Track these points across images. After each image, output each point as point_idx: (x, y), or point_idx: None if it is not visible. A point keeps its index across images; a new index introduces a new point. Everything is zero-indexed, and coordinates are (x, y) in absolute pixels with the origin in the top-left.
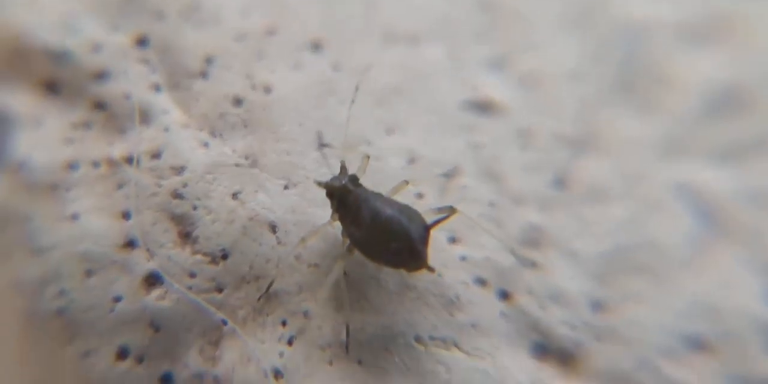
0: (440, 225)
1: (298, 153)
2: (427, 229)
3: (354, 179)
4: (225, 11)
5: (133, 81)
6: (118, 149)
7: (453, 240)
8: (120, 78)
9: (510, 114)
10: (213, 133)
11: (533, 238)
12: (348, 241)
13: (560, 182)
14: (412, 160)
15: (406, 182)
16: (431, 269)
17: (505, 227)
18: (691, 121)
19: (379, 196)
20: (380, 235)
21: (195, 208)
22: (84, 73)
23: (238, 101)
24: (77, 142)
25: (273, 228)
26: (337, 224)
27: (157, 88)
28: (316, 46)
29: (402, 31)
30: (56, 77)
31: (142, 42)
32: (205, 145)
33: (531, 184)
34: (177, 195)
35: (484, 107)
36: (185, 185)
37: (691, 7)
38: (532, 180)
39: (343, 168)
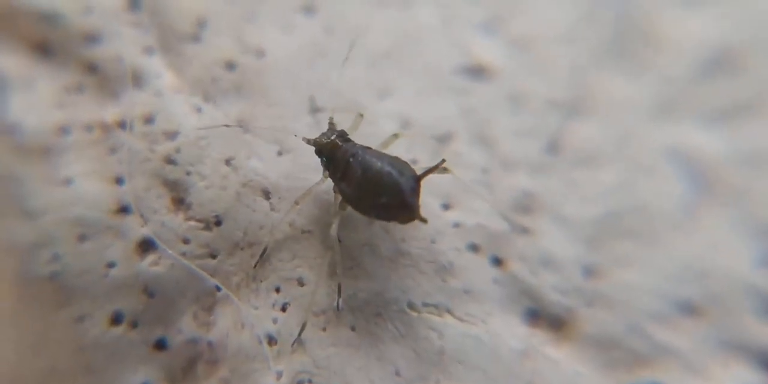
0: (430, 175)
1: (290, 118)
2: (417, 179)
3: (343, 134)
4: None
5: (126, 44)
6: (111, 113)
7: (446, 207)
8: (112, 40)
9: (502, 78)
10: (206, 98)
11: (525, 204)
12: (340, 198)
13: (552, 147)
14: (405, 125)
15: (396, 135)
16: (423, 220)
17: (497, 193)
18: (683, 83)
19: (368, 149)
20: (371, 189)
21: (188, 173)
22: (76, 35)
23: (230, 66)
24: (69, 105)
25: (266, 194)
26: (329, 182)
27: (149, 51)
28: (308, 9)
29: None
30: (47, 39)
31: (134, 4)
32: (198, 110)
33: (523, 149)
34: (170, 160)
35: (476, 71)
36: (178, 151)
37: None
38: (524, 145)
39: (332, 124)
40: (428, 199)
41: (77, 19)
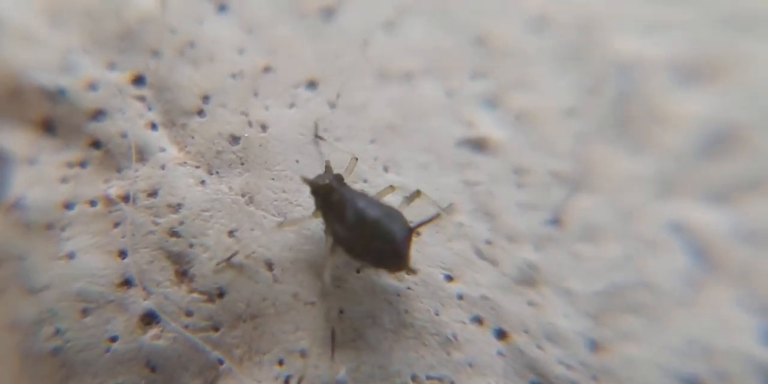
0: (423, 227)
1: (294, 190)
2: (410, 230)
3: (339, 178)
4: (221, 49)
5: (130, 119)
6: (115, 187)
7: (450, 278)
8: (116, 116)
9: (505, 151)
10: (210, 171)
11: (529, 276)
12: (332, 240)
13: (556, 220)
14: (408, 198)
15: (392, 187)
16: (413, 270)
17: (500, 265)
18: (686, 159)
19: (363, 196)
20: (364, 235)
21: (191, 246)
22: (80, 112)
23: (234, 139)
24: (73, 180)
25: (269, 266)
26: (320, 222)
27: (153, 126)
28: (312, 84)
29: (396, 68)
30: (52, 116)
31: (138, 80)
32: (202, 182)
33: (526, 222)
34: (173, 233)
35: (479, 144)
36: (182, 223)
37: (684, 44)
38: (527, 218)
39: (328, 167)
40: (431, 270)
41: (82, 96)
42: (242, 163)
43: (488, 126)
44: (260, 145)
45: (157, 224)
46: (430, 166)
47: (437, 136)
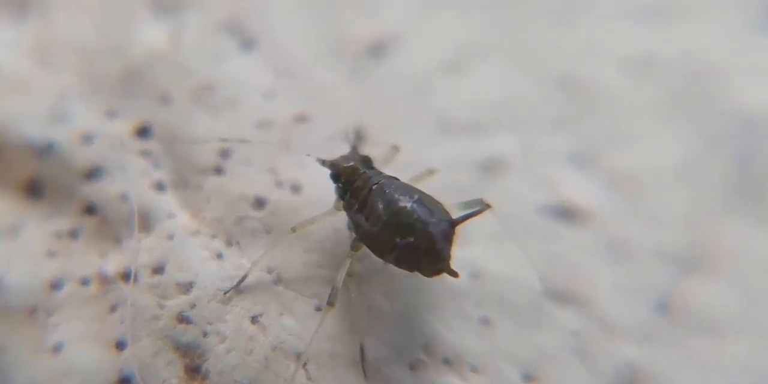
0: (469, 221)
1: (332, 266)
2: (452, 224)
3: (366, 160)
4: (245, 93)
5: (132, 178)
6: (112, 263)
7: (528, 378)
8: (116, 175)
9: (598, 220)
10: (228, 242)
11: (629, 379)
12: (355, 236)
13: (663, 308)
14: (476, 275)
15: (431, 171)
16: (454, 274)
17: (593, 363)
18: None
19: (395, 181)
20: (393, 229)
21: (205, 334)
22: (72, 170)
23: (259, 202)
24: (62, 254)
25: (302, 360)
26: (343, 215)
27: (160, 186)
28: (357, 137)
29: (462, 119)
30: (39, 175)
31: (143, 131)
32: (219, 256)
33: (626, 310)
34: (183, 319)
35: (566, 212)
36: (193, 306)
37: None
38: (627, 304)
39: (355, 149)
40: (504, 367)
41: (75, 150)
42: (268, 232)
43: (576, 189)
44: (291, 211)
45: (163, 308)
46: (506, 237)
47: (514, 203)
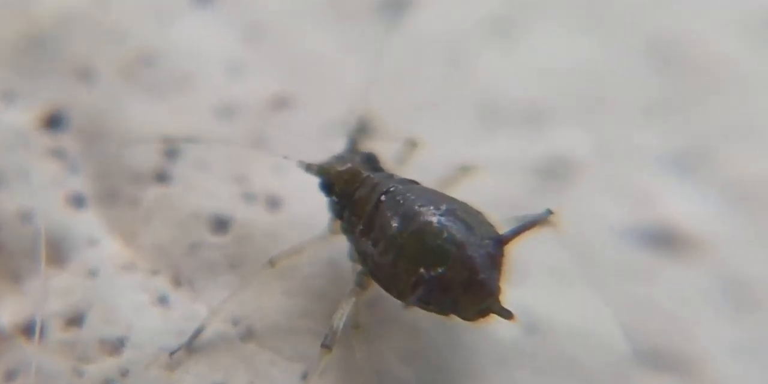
0: (523, 236)
1: (324, 316)
2: (501, 242)
3: (371, 159)
4: (200, 66)
5: (38, 189)
6: (9, 311)
7: None
8: (13, 185)
9: (712, 253)
10: (176, 280)
11: None
12: (360, 267)
13: None
14: (533, 330)
15: (466, 170)
16: (508, 314)
17: None
18: None
19: (413, 186)
20: (416, 255)
21: None
22: None
23: (221, 223)
24: None
25: None
26: (342, 241)
27: (78, 200)
28: (362, 128)
29: (513, 103)
30: None
31: (54, 121)
32: (163, 300)
33: (751, 380)
34: None
35: (664, 239)
36: (126, 373)
37: None
38: (752, 372)
39: (354, 144)
40: None
41: None
42: (234, 267)
43: (679, 206)
44: (267, 235)
45: (82, 375)
46: (571, 272)
47: (585, 222)
